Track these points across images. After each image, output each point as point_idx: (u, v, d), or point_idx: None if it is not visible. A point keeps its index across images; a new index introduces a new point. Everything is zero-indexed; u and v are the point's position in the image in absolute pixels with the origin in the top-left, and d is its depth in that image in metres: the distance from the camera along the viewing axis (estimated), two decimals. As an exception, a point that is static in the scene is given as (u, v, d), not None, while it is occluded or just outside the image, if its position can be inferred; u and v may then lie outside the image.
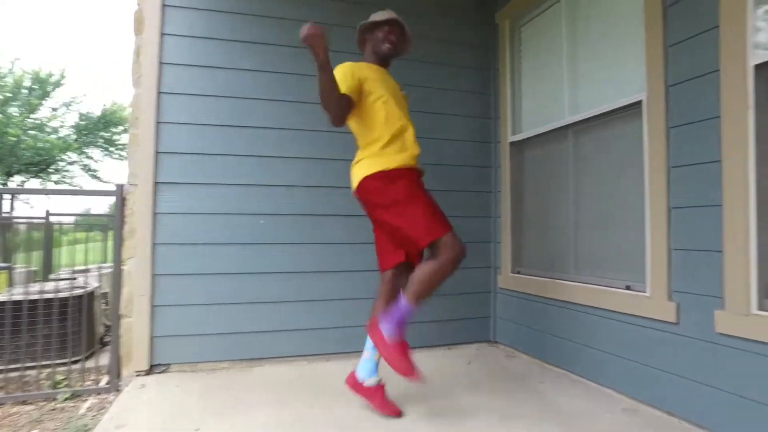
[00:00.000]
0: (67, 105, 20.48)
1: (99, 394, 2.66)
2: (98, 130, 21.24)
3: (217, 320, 2.94)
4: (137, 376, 2.76)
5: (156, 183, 2.87)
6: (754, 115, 1.87)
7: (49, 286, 3.12)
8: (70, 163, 21.19)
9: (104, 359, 2.90)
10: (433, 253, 2.03)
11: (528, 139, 3.30)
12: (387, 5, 2.39)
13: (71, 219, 3.76)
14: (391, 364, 2.00)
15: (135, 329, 2.79)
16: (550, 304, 2.96)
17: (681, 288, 2.14)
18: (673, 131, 2.21)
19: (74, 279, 3.70)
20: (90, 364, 2.91)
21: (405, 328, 2.05)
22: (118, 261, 2.80)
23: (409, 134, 2.23)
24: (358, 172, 2.19)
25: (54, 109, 20.27)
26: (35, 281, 4.20)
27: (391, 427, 2.10)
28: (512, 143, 3.44)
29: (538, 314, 3.07)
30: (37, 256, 4.61)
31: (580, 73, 2.88)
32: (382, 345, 2.04)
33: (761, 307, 1.83)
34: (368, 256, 2.36)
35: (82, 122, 20.91)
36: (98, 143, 21.58)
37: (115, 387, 2.70)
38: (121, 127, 21.19)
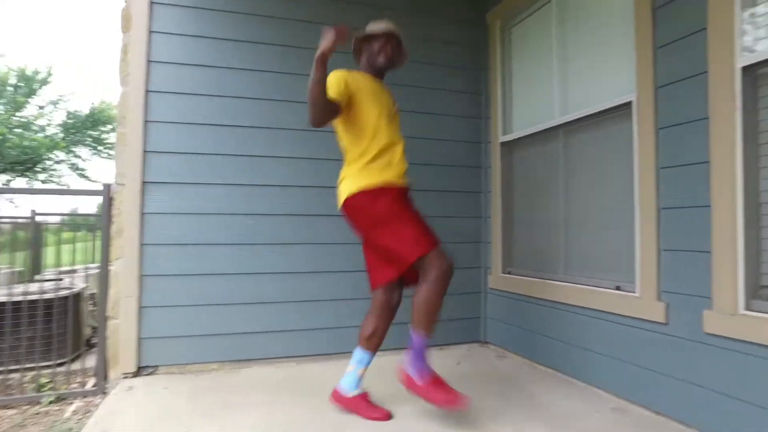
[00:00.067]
0: (55, 103, 20.20)
1: (85, 396, 2.62)
2: (86, 128, 20.97)
3: (205, 321, 2.91)
4: (124, 378, 2.72)
5: (144, 182, 2.83)
6: (742, 117, 1.88)
7: (34, 287, 3.07)
8: (58, 162, 20.91)
9: (91, 361, 2.86)
10: (422, 269, 2.03)
11: (518, 139, 3.30)
12: (379, 4, 2.38)
13: (58, 219, 3.70)
14: (434, 403, 1.99)
15: (122, 331, 2.75)
16: (540, 305, 2.97)
17: (670, 288, 2.16)
18: (662, 132, 2.22)
19: (60, 280, 3.64)
20: (76, 366, 2.87)
21: (427, 360, 2.04)
22: (105, 262, 2.76)
23: (397, 151, 2.21)
24: (344, 190, 2.17)
25: (41, 107, 19.99)
26: (21, 282, 4.13)
27: (380, 428, 2.09)
28: (503, 143, 3.44)
29: (529, 314, 3.08)
30: (22, 256, 4.53)
31: (571, 74, 2.89)
32: (417, 390, 2.03)
33: (748, 308, 1.84)
34: (359, 257, 2.34)
35: (69, 121, 20.64)
36: (86, 142, 21.30)
37: (101, 389, 2.66)
38: (109, 126, 20.93)
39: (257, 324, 3.01)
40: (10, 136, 18.01)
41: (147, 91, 2.85)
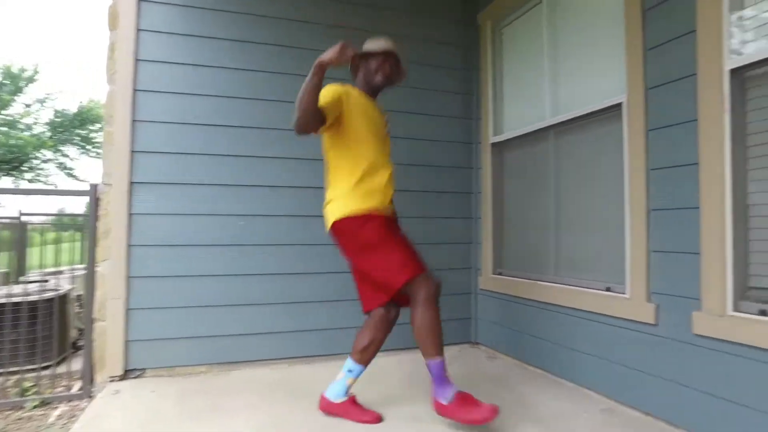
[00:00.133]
0: (41, 101, 19.96)
1: (70, 401, 2.58)
2: (74, 127, 20.74)
3: (194, 323, 2.88)
4: (111, 381, 2.68)
5: (132, 183, 2.80)
6: (730, 119, 1.89)
7: (18, 288, 3.02)
8: (45, 161, 20.65)
9: (77, 364, 2.81)
10: (410, 293, 2.03)
11: (509, 140, 3.31)
12: (373, 4, 2.36)
13: (45, 219, 3.64)
14: (465, 422, 1.98)
15: (109, 333, 2.71)
16: (530, 305, 2.97)
17: (659, 289, 2.17)
18: (652, 134, 2.23)
19: (46, 281, 3.59)
20: (61, 369, 2.82)
21: (450, 380, 2.04)
22: (91, 263, 2.72)
23: (384, 175, 2.19)
24: (331, 214, 2.14)
25: (27, 106, 19.73)
26: (6, 284, 4.06)
27: (370, 431, 2.08)
28: (493, 144, 3.45)
29: (519, 315, 3.08)
30: (5, 257, 4.45)
31: (562, 75, 2.90)
32: (445, 412, 2.02)
33: (736, 309, 1.85)
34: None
35: (57, 119, 20.40)
36: (74, 141, 21.07)
37: (87, 393, 2.62)
38: (98, 125, 20.70)
39: (247, 326, 2.98)
40: (-4, 135, 17.77)
41: (135, 90, 2.81)
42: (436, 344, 2.01)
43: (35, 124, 20.03)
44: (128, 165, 2.78)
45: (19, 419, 2.36)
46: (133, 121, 2.81)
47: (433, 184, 3.48)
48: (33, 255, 4.64)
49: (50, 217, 3.76)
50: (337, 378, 2.21)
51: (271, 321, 3.03)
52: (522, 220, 3.23)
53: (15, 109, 19.34)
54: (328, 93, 2.06)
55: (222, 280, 2.94)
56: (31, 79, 19.51)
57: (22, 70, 19.32)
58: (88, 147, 21.24)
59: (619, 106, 2.42)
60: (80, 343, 3.22)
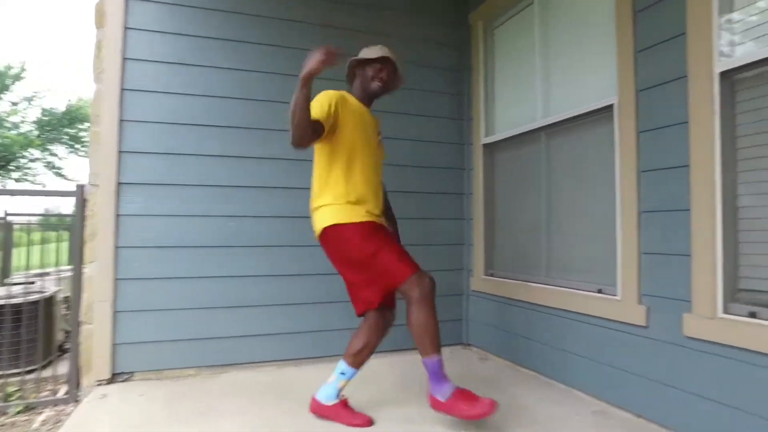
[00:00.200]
0: (29, 100, 19.72)
1: (56, 405, 2.53)
2: (63, 126, 20.52)
3: (183, 326, 2.85)
4: (98, 385, 2.64)
5: (119, 184, 2.76)
6: (720, 121, 1.90)
7: (2, 291, 2.96)
8: (33, 161, 20.39)
9: (63, 368, 2.76)
10: (404, 294, 2.01)
11: (501, 141, 3.30)
12: (364, 4, 2.34)
13: (31, 219, 3.57)
14: (465, 417, 1.96)
15: (96, 336, 2.67)
16: (522, 307, 2.97)
17: (650, 291, 2.17)
18: (643, 135, 2.23)
19: (32, 283, 3.52)
20: (46, 373, 2.77)
21: (445, 377, 2.01)
22: (78, 265, 2.67)
23: (373, 182, 2.17)
24: (320, 221, 2.12)
25: (14, 104, 19.48)
26: (-10, 285, 3.98)
27: (362, 434, 2.07)
28: (485, 145, 3.44)
29: (511, 317, 3.08)
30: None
31: (553, 76, 2.90)
32: (442, 408, 1.99)
33: (726, 311, 1.86)
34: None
35: (45, 118, 20.16)
36: (63, 140, 20.84)
37: (73, 398, 2.58)
38: (87, 124, 20.45)
39: (236, 328, 2.95)
40: (-18, 134, 17.52)
41: (122, 89, 2.77)
42: (432, 342, 1.99)
43: (22, 122, 19.80)
44: (116, 165, 2.74)
45: (1, 425, 2.31)
46: (121, 120, 2.76)
47: (424, 185, 3.47)
48: (19, 256, 4.57)
49: (37, 218, 3.70)
50: (329, 380, 2.19)
51: (260, 323, 3.00)
52: (513, 221, 3.23)
53: (1, 107, 19.11)
54: (324, 102, 2.03)
55: (211, 282, 2.91)
56: (18, 77, 19.27)
57: (9, 68, 19.07)
58: (77, 146, 21.02)
59: (610, 107, 2.42)
60: (67, 345, 3.17)
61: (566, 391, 2.58)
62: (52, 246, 3.51)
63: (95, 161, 2.73)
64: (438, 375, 2.00)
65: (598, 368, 2.41)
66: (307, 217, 3.06)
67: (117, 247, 2.73)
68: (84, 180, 2.76)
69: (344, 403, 2.17)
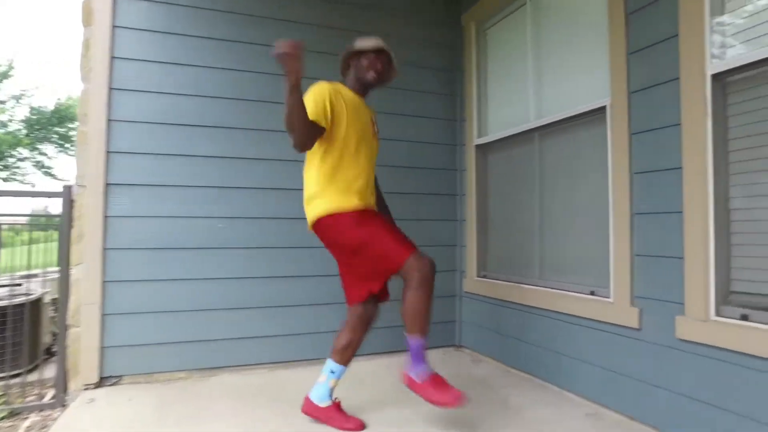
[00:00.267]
0: (17, 98, 19.47)
1: (42, 410, 2.49)
2: (52, 125, 20.29)
3: (173, 328, 2.81)
4: (86, 389, 2.60)
5: (107, 184, 2.71)
6: (712, 124, 1.90)
7: (-13, 294, 2.91)
8: (21, 160, 20.15)
9: (50, 372, 2.72)
10: (403, 278, 1.98)
11: (494, 142, 3.29)
12: (358, 3, 2.32)
13: (18, 220, 3.51)
14: (432, 402, 1.94)
15: (84, 339, 2.63)
16: (515, 309, 2.96)
17: (643, 293, 2.17)
18: (636, 137, 2.23)
19: (19, 285, 3.46)
20: (32, 377, 2.72)
21: (427, 360, 1.99)
22: (65, 267, 2.63)
23: (364, 182, 2.15)
24: (314, 211, 2.10)
25: (2, 102, 19.22)
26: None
27: (354, 438, 2.05)
28: (478, 146, 3.43)
29: (504, 319, 3.07)
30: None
31: (546, 77, 2.89)
32: (416, 389, 1.98)
33: (718, 313, 1.86)
34: (331, 261, 2.28)
35: (33, 116, 19.92)
36: (52, 139, 20.60)
37: (60, 402, 2.53)
38: (76, 123, 20.22)
39: (227, 330, 2.91)
40: (-31, 132, 17.28)
41: (110, 89, 2.73)
42: (423, 324, 1.97)
43: (10, 121, 19.54)
44: (104, 166, 2.70)
45: (-15, 431, 2.27)
46: (109, 120, 2.72)
47: (417, 185, 3.45)
48: (4, 257, 4.49)
49: (24, 218, 3.64)
50: (320, 380, 2.17)
51: (251, 325, 2.97)
52: (506, 222, 3.22)
53: (-12, 105, 18.86)
54: (318, 100, 2.02)
55: (201, 284, 2.87)
56: (5, 75, 19.02)
57: (-3, 66, 18.83)
58: (66, 145, 20.79)
59: (603, 109, 2.42)
60: (55, 348, 3.12)
61: (559, 393, 2.57)
62: (41, 247, 3.45)
63: (82, 161, 2.68)
64: (419, 356, 1.98)
65: (591, 370, 2.41)
66: (299, 219, 3.04)
67: (105, 249, 2.69)
68: (73, 180, 2.72)
69: (337, 406, 2.15)
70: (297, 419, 2.19)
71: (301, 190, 2.19)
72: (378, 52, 2.21)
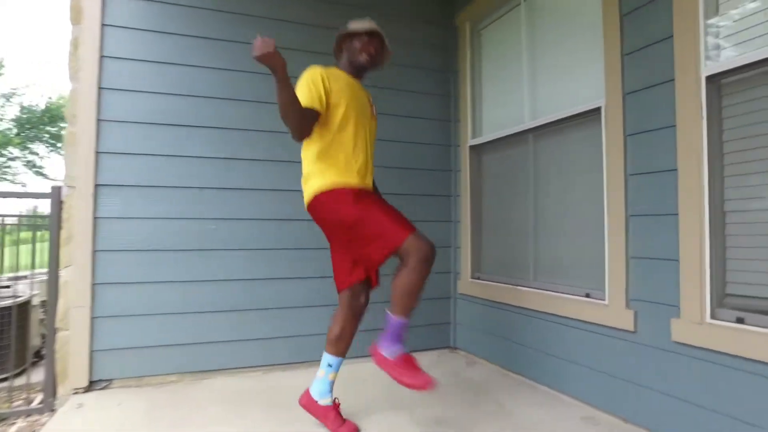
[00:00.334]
0: (7, 97, 19.27)
1: (29, 415, 2.44)
2: (43, 124, 20.10)
3: (164, 331, 2.77)
4: (75, 394, 2.56)
5: (97, 185, 2.67)
6: (707, 125, 1.89)
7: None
8: (12, 159, 19.94)
9: (38, 376, 2.67)
10: (401, 258, 1.93)
11: (488, 143, 3.28)
12: (353, 3, 2.30)
13: (6, 220, 3.45)
14: (400, 382, 1.91)
15: (73, 343, 2.59)
16: (509, 311, 2.95)
17: (638, 296, 2.16)
18: (630, 139, 2.22)
19: (7, 287, 3.41)
20: (20, 381, 2.67)
21: (403, 341, 1.97)
22: (54, 270, 2.59)
23: (362, 161, 2.12)
24: (310, 189, 2.08)
25: (-8, 101, 19.04)
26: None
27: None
28: (472, 147, 3.42)
29: (498, 321, 3.06)
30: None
31: (541, 78, 2.88)
32: (386, 367, 1.95)
33: (714, 316, 1.85)
34: (325, 262, 2.26)
35: (24, 115, 19.72)
36: (43, 138, 20.41)
37: (49, 407, 2.49)
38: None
39: (219, 333, 2.88)
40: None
41: (100, 88, 2.69)
42: (409, 306, 1.94)
43: (0, 120, 19.33)
44: (93, 166, 2.65)
45: (-29, 437, 2.23)
46: (98, 120, 2.68)
47: (411, 186, 3.43)
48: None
49: (13, 218, 3.57)
50: (319, 375, 2.14)
51: (244, 328, 2.93)
52: (501, 223, 3.21)
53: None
54: (311, 85, 2.01)
55: (192, 287, 2.84)
56: (-5, 74, 18.82)
57: (-13, 65, 18.62)
58: (58, 145, 20.60)
59: (597, 110, 2.41)
60: (44, 351, 3.07)
61: (554, 396, 2.56)
62: (30, 248, 3.40)
63: (71, 162, 2.64)
64: (396, 335, 1.95)
65: (586, 373, 2.40)
66: (295, 220, 3.04)
67: (95, 251, 2.65)
68: (62, 181, 2.68)
69: (336, 407, 2.13)
70: (292, 424, 2.16)
71: (294, 191, 2.16)
72: (371, 34, 2.20)
